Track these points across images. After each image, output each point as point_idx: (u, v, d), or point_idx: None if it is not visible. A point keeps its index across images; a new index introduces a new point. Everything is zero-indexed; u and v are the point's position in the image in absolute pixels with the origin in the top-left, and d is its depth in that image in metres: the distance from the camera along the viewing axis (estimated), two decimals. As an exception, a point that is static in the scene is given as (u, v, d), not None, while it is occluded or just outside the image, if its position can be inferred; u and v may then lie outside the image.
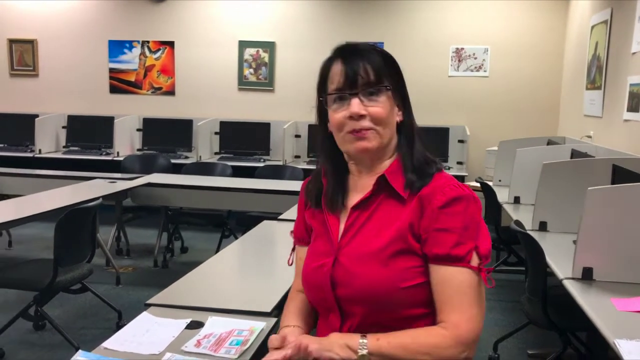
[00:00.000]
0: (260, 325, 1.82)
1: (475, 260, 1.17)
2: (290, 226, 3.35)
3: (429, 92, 5.99)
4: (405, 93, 1.31)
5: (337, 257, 1.27)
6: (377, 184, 1.27)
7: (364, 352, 1.15)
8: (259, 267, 2.70)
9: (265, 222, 3.38)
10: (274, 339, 1.27)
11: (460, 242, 1.16)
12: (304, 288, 1.39)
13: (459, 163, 5.86)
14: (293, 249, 1.55)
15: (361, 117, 1.22)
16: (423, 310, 1.21)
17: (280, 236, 3.24)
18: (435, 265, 1.18)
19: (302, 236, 1.49)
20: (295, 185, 4.75)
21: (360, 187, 1.31)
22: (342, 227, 1.30)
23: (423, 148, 1.28)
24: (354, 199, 1.31)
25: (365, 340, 1.16)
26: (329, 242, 1.31)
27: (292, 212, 3.66)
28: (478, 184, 4.56)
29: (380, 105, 1.23)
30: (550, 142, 4.97)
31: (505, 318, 3.99)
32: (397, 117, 1.29)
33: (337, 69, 1.25)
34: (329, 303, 1.27)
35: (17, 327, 3.43)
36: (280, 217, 3.51)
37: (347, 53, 1.25)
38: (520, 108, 6.16)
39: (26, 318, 3.42)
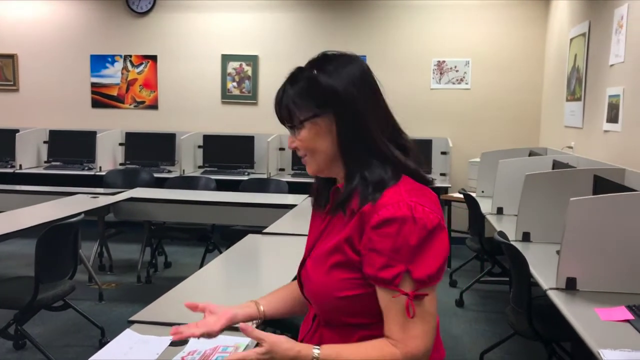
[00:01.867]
0: (245, 341, 1.80)
1: (407, 284, 1.15)
2: (276, 240, 3.35)
3: (411, 105, 6.03)
4: (350, 111, 1.23)
5: (306, 258, 1.36)
6: (332, 195, 1.31)
7: None
8: (244, 281, 2.68)
9: (250, 236, 3.36)
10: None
11: (388, 264, 1.15)
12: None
13: (442, 174, 5.89)
14: None
15: (296, 147, 1.30)
16: (364, 320, 1.23)
17: (265, 250, 3.22)
18: (372, 284, 1.19)
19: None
20: (280, 199, 4.75)
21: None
22: (321, 230, 1.35)
23: (384, 158, 1.23)
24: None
25: (317, 352, 1.19)
26: (309, 241, 1.39)
27: (277, 226, 3.65)
28: (461, 195, 4.58)
29: (301, 138, 1.27)
30: (532, 153, 5.02)
31: (490, 329, 4.00)
32: (335, 135, 1.25)
33: None
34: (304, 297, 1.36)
35: (-3, 347, 3.37)
36: (265, 230, 3.50)
37: (278, 92, 1.32)
38: (502, 119, 6.22)
39: (6, 337, 3.36)
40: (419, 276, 1.15)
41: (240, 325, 1.22)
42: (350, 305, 1.22)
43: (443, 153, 5.95)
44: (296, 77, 1.29)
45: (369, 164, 1.22)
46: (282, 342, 1.19)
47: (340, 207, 1.25)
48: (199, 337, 1.36)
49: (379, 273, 1.15)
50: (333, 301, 1.22)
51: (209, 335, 1.37)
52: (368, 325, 1.23)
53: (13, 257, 5.48)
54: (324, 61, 1.27)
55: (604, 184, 2.97)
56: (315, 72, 1.26)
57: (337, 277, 1.22)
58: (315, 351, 1.18)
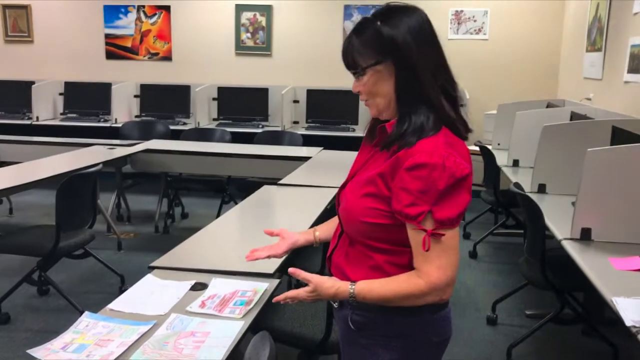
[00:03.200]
0: (263, 286, 1.84)
1: (428, 222, 1.27)
2: (290, 191, 3.38)
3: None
4: (406, 60, 1.33)
5: (347, 182, 1.48)
6: (379, 132, 1.41)
7: (353, 298, 1.35)
8: (261, 230, 2.71)
9: (265, 187, 3.39)
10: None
11: (414, 203, 1.27)
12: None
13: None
14: None
15: (358, 92, 1.41)
16: (383, 245, 1.37)
17: (280, 201, 3.26)
18: (399, 219, 1.31)
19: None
20: (294, 151, 4.76)
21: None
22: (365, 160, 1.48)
23: (431, 107, 1.33)
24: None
25: (353, 289, 1.35)
26: (353, 168, 1.52)
27: (291, 178, 3.67)
28: (477, 148, 4.56)
29: (364, 83, 1.38)
30: (549, 105, 4.95)
31: (503, 280, 4.05)
32: (395, 81, 1.35)
33: None
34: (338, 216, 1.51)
35: (22, 292, 3.47)
36: (280, 182, 3.52)
37: (344, 41, 1.41)
38: (520, 71, 6.12)
39: (30, 283, 3.46)
40: (440, 217, 1.27)
41: (290, 269, 1.42)
42: (373, 230, 1.35)
43: (460, 105, 5.87)
44: (361, 27, 1.38)
45: (417, 111, 1.33)
46: (324, 281, 1.38)
47: (385, 146, 1.36)
48: (265, 258, 1.67)
49: (405, 209, 1.28)
50: (358, 224, 1.37)
51: (274, 256, 1.68)
52: (386, 250, 1.36)
53: (33, 207, 5.58)
54: (387, 13, 1.36)
55: (622, 135, 2.94)
56: (378, 23, 1.34)
57: (367, 204, 1.35)
58: (351, 287, 1.35)
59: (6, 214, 5.43)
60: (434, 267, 1.29)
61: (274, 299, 1.46)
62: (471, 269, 4.27)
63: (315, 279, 1.38)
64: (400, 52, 1.32)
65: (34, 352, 1.44)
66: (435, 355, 1.44)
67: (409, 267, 1.33)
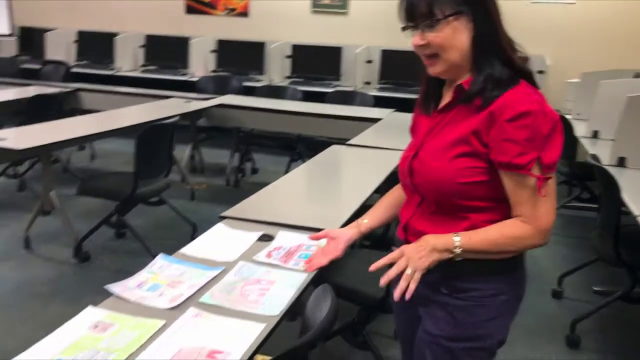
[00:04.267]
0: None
1: (536, 169, 1.30)
2: (359, 152, 3.39)
3: (508, 18, 5.69)
4: (486, 12, 1.36)
5: (418, 151, 1.46)
6: (455, 92, 1.41)
7: (458, 250, 1.34)
8: (327, 188, 2.77)
9: (334, 147, 3.42)
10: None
11: (522, 152, 1.29)
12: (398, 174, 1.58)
13: (537, 95, 5.61)
14: None
15: (423, 46, 1.38)
16: (483, 203, 1.37)
17: (348, 161, 3.28)
18: (502, 170, 1.33)
19: (413, 132, 1.63)
20: (365, 112, 4.75)
21: (447, 95, 1.46)
22: (430, 127, 1.47)
23: (505, 60, 1.35)
24: (442, 104, 1.47)
25: (458, 238, 1.34)
26: (417, 138, 1.52)
27: (360, 138, 3.67)
28: (555, 117, 4.39)
29: (438, 34, 1.35)
30: (637, 75, 4.68)
31: (571, 253, 3.94)
32: (470, 32, 1.35)
33: (400, 4, 1.41)
34: (409, 187, 1.50)
35: (101, 234, 3.69)
36: (349, 142, 3.54)
37: None
38: (607, 38, 5.78)
39: (109, 226, 3.67)
40: (547, 162, 1.30)
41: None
42: (470, 190, 1.36)
43: (540, 72, 5.64)
44: None
45: (493, 65, 1.34)
46: (429, 235, 1.37)
47: (466, 100, 1.36)
48: (327, 264, 1.64)
49: (514, 160, 1.29)
50: (454, 187, 1.36)
51: (335, 258, 1.64)
52: (483, 209, 1.37)
53: (113, 154, 5.86)
54: None
55: None
56: None
57: (461, 165, 1.35)
58: (455, 238, 1.35)
59: (89, 159, 5.74)
60: (542, 211, 1.32)
61: (372, 267, 1.39)
62: (539, 240, 4.17)
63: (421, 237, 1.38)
64: (479, 3, 1.35)
65: (111, 287, 1.54)
66: (517, 309, 1.48)
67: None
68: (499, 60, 1.35)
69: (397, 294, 1.33)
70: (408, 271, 1.33)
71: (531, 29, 5.81)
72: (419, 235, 1.41)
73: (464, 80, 1.39)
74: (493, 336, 1.43)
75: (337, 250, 1.64)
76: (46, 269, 3.39)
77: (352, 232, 1.66)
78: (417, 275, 1.33)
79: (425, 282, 1.44)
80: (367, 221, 1.67)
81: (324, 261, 1.63)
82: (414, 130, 1.58)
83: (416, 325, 1.53)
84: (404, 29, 1.42)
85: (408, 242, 1.46)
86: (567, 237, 4.30)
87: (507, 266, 1.42)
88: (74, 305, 1.45)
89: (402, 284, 1.32)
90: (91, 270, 3.42)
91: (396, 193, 1.67)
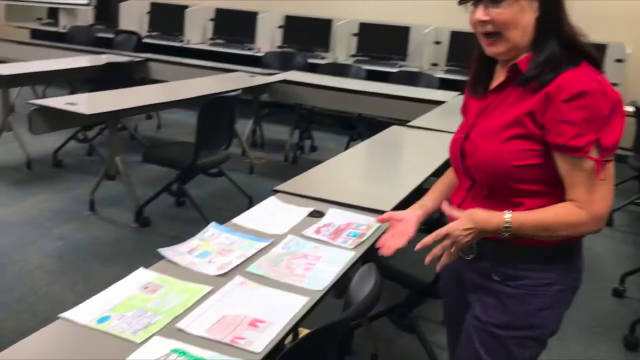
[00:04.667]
0: (377, 223, 1.87)
1: (594, 151, 1.25)
2: (420, 134, 3.33)
3: (585, 2, 5.42)
4: None
5: (469, 132, 1.43)
6: (510, 72, 1.36)
7: (506, 234, 1.29)
8: (383, 169, 2.74)
9: (394, 128, 3.38)
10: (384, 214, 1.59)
11: (579, 134, 1.24)
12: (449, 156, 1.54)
13: (614, 85, 5.34)
14: None
15: (485, 22, 1.33)
16: (537, 187, 1.32)
17: (408, 142, 3.23)
18: (557, 153, 1.28)
19: (462, 111, 1.59)
20: (429, 94, 4.66)
21: (500, 75, 1.42)
22: (481, 108, 1.43)
23: (567, 42, 1.31)
24: (494, 84, 1.43)
25: (510, 217, 1.29)
26: (467, 119, 1.48)
27: (422, 120, 3.61)
28: (632, 109, 4.17)
29: (504, 11, 1.30)
30: None
31: (637, 252, 3.77)
32: (535, 13, 1.31)
33: None
34: (460, 170, 1.46)
35: (162, 201, 3.80)
36: (410, 123, 3.48)
37: None
38: (696, 27, 5.43)
39: (169, 193, 3.78)
40: (606, 144, 1.25)
41: (443, 205, 1.38)
42: (524, 173, 1.31)
43: (618, 60, 5.36)
44: None
45: (555, 46, 1.30)
46: (478, 213, 1.32)
47: (524, 82, 1.31)
48: (405, 245, 1.50)
49: (570, 142, 1.25)
50: (508, 169, 1.31)
51: (409, 239, 1.51)
52: (538, 193, 1.33)
53: (178, 124, 6.01)
54: None
55: None
56: None
57: (516, 147, 1.31)
58: (507, 216, 1.29)
59: (155, 129, 5.90)
60: (598, 196, 1.27)
61: (419, 245, 1.34)
62: (604, 236, 4.00)
63: (468, 212, 1.32)
64: None
65: (163, 251, 1.59)
66: (572, 299, 1.44)
67: None
68: (559, 42, 1.31)
69: (428, 258, 1.34)
70: (447, 242, 1.31)
71: (610, 15, 5.52)
72: None
73: (519, 59, 1.35)
74: (544, 326, 1.40)
75: (409, 231, 1.52)
76: (108, 231, 3.53)
77: (419, 212, 1.58)
78: (455, 249, 1.31)
79: (476, 269, 1.43)
80: (430, 202, 1.62)
81: (400, 242, 1.49)
82: (464, 111, 1.54)
83: (464, 311, 1.50)
84: (461, 2, 1.37)
85: None
86: (634, 235, 4.12)
87: (563, 255, 1.38)
88: (131, 267, 1.51)
89: (435, 250, 1.33)
90: (150, 235, 3.54)
91: (452, 175, 1.62)
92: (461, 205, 1.45)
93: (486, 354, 1.41)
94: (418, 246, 1.34)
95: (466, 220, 1.30)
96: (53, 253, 3.19)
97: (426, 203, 1.61)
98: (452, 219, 1.33)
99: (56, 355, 1.16)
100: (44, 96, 6.04)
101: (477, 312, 1.44)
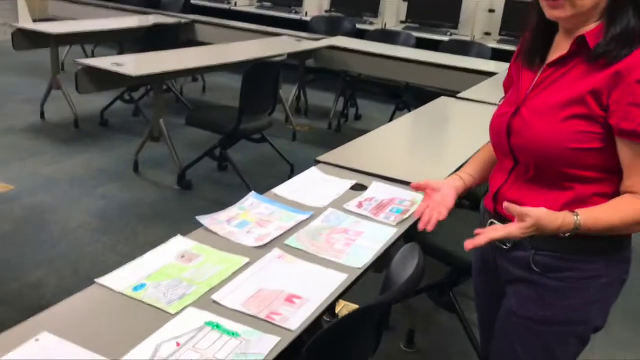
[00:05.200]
0: (421, 197, 1.80)
1: None
2: (469, 106, 3.22)
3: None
4: None
5: (519, 108, 1.29)
6: (575, 44, 1.23)
7: (576, 228, 1.16)
8: (430, 142, 2.65)
9: (443, 99, 3.27)
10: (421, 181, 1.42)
11: None
12: (489, 133, 1.40)
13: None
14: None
15: None
16: (591, 173, 1.21)
17: (456, 115, 3.12)
18: (622, 138, 1.16)
19: (507, 87, 1.47)
20: (481, 64, 4.49)
21: (561, 46, 1.28)
22: (535, 81, 1.30)
23: (636, 18, 1.17)
24: (553, 56, 1.29)
25: (578, 220, 1.15)
26: (517, 93, 1.33)
27: (472, 92, 3.48)
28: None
29: None
30: None
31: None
32: None
33: None
34: (504, 149, 1.32)
35: (204, 165, 3.81)
36: (459, 95, 3.36)
37: None
38: None
39: (212, 158, 3.77)
40: None
41: (505, 204, 1.17)
42: (580, 157, 1.19)
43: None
44: None
45: (631, 17, 1.17)
46: (545, 215, 1.15)
47: (597, 57, 1.18)
48: (443, 219, 1.36)
49: None
50: (562, 151, 1.20)
51: (449, 209, 1.38)
52: (593, 179, 1.21)
53: (222, 88, 5.99)
54: None
55: None
56: None
57: (573, 128, 1.19)
58: (575, 217, 1.16)
59: (200, 92, 5.90)
60: None
61: (470, 246, 1.18)
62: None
63: (534, 212, 1.14)
64: None
65: (201, 219, 1.56)
66: (619, 293, 1.33)
67: (613, 196, 1.20)
68: (635, 14, 1.17)
69: (470, 245, 1.18)
70: (498, 234, 1.16)
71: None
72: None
73: (587, 31, 1.20)
74: (588, 322, 1.29)
75: (448, 202, 1.38)
76: (151, 192, 3.56)
77: (458, 184, 1.44)
78: (494, 236, 1.16)
79: (512, 258, 1.32)
80: (469, 177, 1.47)
81: (441, 215, 1.35)
82: (510, 84, 1.41)
83: (494, 299, 1.41)
84: None
85: (497, 213, 1.33)
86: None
87: (611, 246, 1.25)
88: (172, 229, 1.50)
89: (478, 241, 1.17)
90: (192, 198, 3.55)
91: (492, 149, 1.46)
92: (501, 189, 1.33)
93: (524, 351, 1.33)
94: (469, 246, 1.18)
95: (531, 223, 1.14)
96: (96, 212, 3.24)
97: (465, 177, 1.46)
98: (513, 218, 1.17)
99: (90, 321, 1.15)
100: (93, 55, 6.10)
101: (513, 306, 1.34)
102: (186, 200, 3.52)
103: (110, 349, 1.07)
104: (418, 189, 1.44)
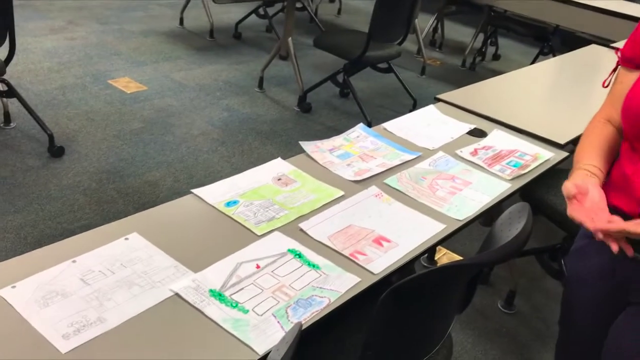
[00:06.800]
0: (547, 155, 1.63)
1: None
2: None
3: None
4: None
5: None
6: None
7: None
8: (571, 93, 2.39)
9: (594, 47, 2.93)
10: (569, 187, 1.05)
11: None
12: (623, 117, 1.12)
13: None
14: (614, 70, 1.26)
15: None
16: None
17: (606, 66, 2.78)
18: None
19: (631, 57, 1.19)
20: (646, 12, 3.97)
21: None
22: None
23: None
24: None
25: None
26: None
27: (630, 42, 3.09)
28: None
29: None
30: None
31: None
32: None
33: None
34: None
35: (326, 89, 3.76)
36: (614, 45, 2.99)
37: None
38: None
39: (334, 83, 3.71)
40: None
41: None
42: None
43: None
44: None
45: None
46: None
47: None
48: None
49: None
50: None
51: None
52: None
53: (357, 12, 5.83)
54: None
55: None
56: None
57: None
58: None
59: (335, 13, 5.78)
60: None
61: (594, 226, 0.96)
62: None
63: None
64: None
65: (304, 144, 1.52)
66: None
67: None
68: None
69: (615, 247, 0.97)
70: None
71: None
72: None
73: None
74: None
75: (604, 207, 1.04)
76: (271, 110, 3.59)
77: (594, 181, 1.10)
78: (634, 229, 0.93)
79: None
80: (600, 170, 1.13)
81: (613, 226, 0.97)
82: (635, 54, 1.14)
83: (613, 311, 1.16)
84: None
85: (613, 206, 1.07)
86: None
87: None
88: (286, 149, 1.49)
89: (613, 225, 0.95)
90: (309, 121, 3.54)
91: (607, 130, 1.20)
92: (632, 177, 1.09)
93: None
94: (592, 228, 0.97)
95: None
96: (218, 122, 3.33)
97: (596, 172, 1.12)
98: None
99: (179, 229, 1.17)
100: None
101: None
102: (303, 122, 3.51)
103: (192, 260, 1.07)
104: (570, 196, 1.06)
